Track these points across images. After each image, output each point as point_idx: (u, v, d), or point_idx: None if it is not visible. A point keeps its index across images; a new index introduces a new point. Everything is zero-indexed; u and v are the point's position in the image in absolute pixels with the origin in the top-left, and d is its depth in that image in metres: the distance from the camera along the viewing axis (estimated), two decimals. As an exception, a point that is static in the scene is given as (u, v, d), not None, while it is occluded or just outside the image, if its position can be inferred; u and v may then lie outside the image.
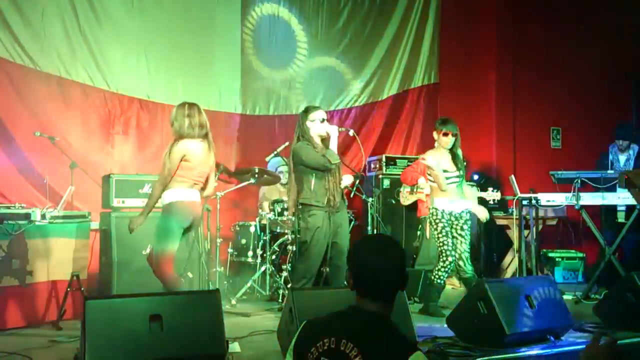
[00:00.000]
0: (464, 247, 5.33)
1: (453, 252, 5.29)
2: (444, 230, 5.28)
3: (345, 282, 2.36)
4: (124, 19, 6.83)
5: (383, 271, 2.11)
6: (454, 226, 5.34)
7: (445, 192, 5.27)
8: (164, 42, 7.07)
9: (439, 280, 5.33)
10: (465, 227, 5.38)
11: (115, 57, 6.78)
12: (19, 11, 6.21)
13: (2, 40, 6.08)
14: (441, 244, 5.30)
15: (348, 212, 6.53)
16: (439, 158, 5.30)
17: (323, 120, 5.08)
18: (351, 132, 5.28)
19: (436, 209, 5.32)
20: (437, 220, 5.30)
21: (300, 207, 5.04)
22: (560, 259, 7.38)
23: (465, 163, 5.51)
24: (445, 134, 5.28)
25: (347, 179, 5.19)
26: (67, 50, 6.49)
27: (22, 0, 6.23)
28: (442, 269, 5.30)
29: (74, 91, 6.53)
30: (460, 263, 5.32)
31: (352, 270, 2.16)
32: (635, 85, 9.06)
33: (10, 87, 6.15)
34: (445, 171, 5.28)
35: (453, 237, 5.33)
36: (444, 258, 5.28)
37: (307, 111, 5.15)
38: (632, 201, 5.88)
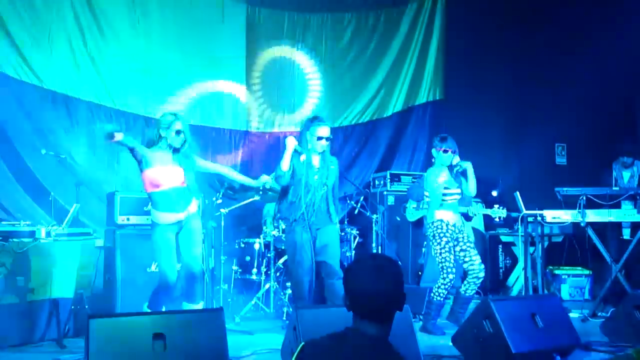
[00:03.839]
0: (477, 255, 5.24)
1: (454, 269, 5.18)
2: (447, 246, 5.16)
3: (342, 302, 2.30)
4: (130, 38, 6.91)
5: (380, 293, 2.06)
6: (458, 238, 5.22)
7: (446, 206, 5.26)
8: (170, 60, 7.13)
9: (439, 298, 5.20)
10: (468, 236, 5.33)
11: (121, 75, 6.85)
12: (26, 30, 6.30)
13: (10, 59, 6.18)
14: (443, 260, 5.16)
15: (351, 229, 6.53)
16: (443, 175, 5.28)
17: (320, 139, 4.89)
18: None
19: (441, 220, 5.20)
20: (442, 234, 5.17)
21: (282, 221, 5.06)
22: (566, 276, 7.30)
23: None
24: (445, 151, 5.24)
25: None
26: (73, 68, 6.57)
27: (30, 20, 6.32)
28: (443, 286, 5.17)
29: (80, 109, 6.60)
30: (479, 269, 5.18)
31: (348, 292, 2.11)
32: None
33: (17, 105, 6.22)
34: (446, 188, 5.26)
35: (462, 249, 5.21)
36: (445, 275, 5.16)
37: (312, 122, 4.97)
38: (637, 218, 5.86)
